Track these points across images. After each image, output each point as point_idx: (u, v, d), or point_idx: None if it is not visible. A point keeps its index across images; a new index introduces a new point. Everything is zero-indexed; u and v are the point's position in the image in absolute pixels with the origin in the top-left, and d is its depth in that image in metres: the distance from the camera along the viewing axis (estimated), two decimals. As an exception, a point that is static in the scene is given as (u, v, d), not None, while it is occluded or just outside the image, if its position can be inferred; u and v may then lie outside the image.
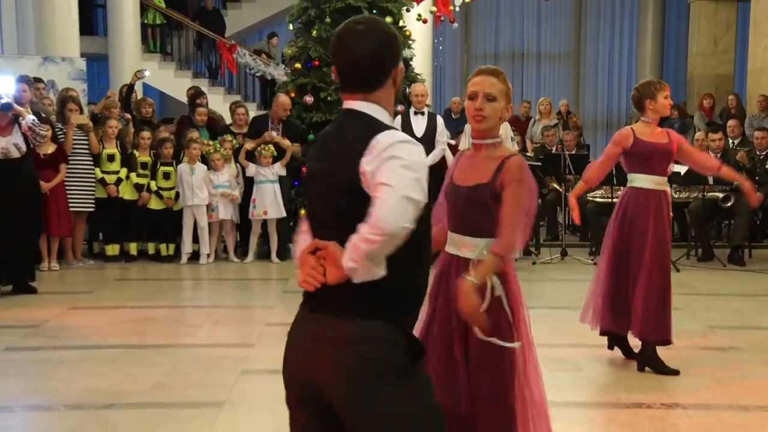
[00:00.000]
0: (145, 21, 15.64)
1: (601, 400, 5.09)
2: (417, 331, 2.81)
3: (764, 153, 10.08)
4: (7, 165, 7.60)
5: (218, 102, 13.19)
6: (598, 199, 10.15)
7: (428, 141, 8.92)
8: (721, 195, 9.67)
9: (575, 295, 7.97)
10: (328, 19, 9.71)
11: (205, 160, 9.50)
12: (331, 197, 2.31)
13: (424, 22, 10.59)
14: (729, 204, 9.65)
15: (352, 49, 2.31)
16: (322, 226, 2.36)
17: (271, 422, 4.41)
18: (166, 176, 9.43)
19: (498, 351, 3.08)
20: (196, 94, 10.61)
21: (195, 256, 9.52)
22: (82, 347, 6.10)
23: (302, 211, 8.52)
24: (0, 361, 5.79)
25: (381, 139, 2.21)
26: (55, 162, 8.74)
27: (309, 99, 9.77)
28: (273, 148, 9.41)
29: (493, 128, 3.19)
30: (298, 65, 9.94)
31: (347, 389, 2.23)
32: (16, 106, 7.60)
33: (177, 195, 9.42)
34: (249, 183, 9.55)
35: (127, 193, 9.42)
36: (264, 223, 9.56)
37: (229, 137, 9.74)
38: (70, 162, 8.98)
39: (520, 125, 12.73)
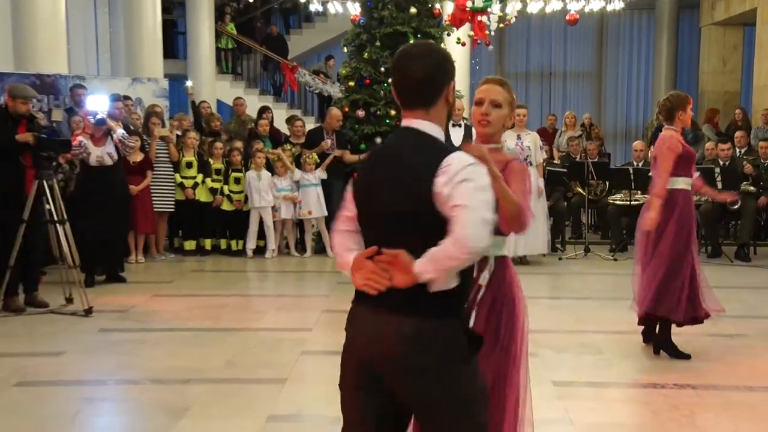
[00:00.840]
0: (219, 45, 15.93)
1: (620, 380, 5.03)
2: None
3: (768, 161, 9.88)
4: (101, 171, 7.71)
5: (281, 116, 13.24)
6: (618, 202, 10.03)
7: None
8: (729, 198, 9.48)
9: (597, 287, 7.93)
10: (378, 43, 9.74)
11: (270, 167, 9.57)
12: (396, 207, 2.23)
13: (463, 45, 10.50)
14: (736, 206, 9.52)
15: (413, 68, 2.28)
16: (381, 232, 2.28)
17: (326, 397, 4.42)
18: (237, 181, 9.50)
19: (497, 341, 2.91)
20: (262, 109, 10.67)
21: (260, 251, 9.56)
22: (163, 329, 6.19)
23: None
24: (95, 340, 5.90)
25: (453, 162, 2.17)
26: (142, 169, 8.85)
27: (361, 113, 9.78)
28: (316, 156, 9.46)
29: (496, 134, 3.06)
30: (351, 83, 9.95)
31: (414, 380, 2.20)
32: (109, 121, 7.71)
33: (245, 198, 9.51)
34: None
35: (202, 195, 9.50)
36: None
37: (288, 146, 9.80)
38: (154, 169, 9.10)
39: (547, 136, 12.60)
